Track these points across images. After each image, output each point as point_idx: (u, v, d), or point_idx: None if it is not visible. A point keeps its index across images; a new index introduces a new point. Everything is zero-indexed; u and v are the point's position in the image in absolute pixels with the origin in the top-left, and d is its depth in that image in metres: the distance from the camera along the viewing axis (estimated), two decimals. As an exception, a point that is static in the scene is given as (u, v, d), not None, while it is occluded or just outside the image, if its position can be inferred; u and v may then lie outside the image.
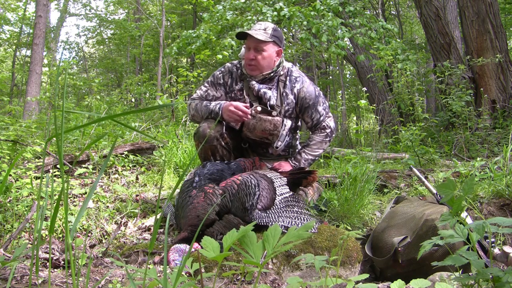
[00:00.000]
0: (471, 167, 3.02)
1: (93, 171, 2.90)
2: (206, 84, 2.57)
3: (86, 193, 2.56)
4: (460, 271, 1.59)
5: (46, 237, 2.03)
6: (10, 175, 2.41)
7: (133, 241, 2.13)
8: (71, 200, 2.47)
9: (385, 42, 7.11)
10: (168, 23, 15.56)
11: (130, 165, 3.21)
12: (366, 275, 1.17)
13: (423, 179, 2.24)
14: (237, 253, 1.74)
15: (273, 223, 1.92)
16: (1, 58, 15.42)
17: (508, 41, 10.05)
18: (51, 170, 2.76)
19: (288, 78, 2.52)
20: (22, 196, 2.23)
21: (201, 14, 12.48)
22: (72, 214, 2.22)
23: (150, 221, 2.34)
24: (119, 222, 2.36)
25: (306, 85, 2.51)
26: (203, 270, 1.60)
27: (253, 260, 1.05)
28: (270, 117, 2.40)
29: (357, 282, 1.18)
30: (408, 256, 1.87)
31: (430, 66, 8.42)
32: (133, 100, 11.15)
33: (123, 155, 3.24)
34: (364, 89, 5.38)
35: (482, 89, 5.65)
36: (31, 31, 12.95)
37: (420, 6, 6.55)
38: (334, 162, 3.56)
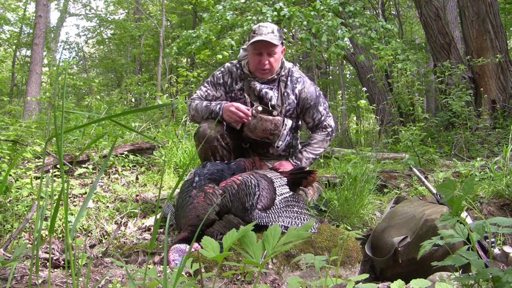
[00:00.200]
0: (471, 167, 3.02)
1: (93, 171, 2.90)
2: (206, 84, 2.57)
3: (86, 193, 2.56)
4: (460, 271, 1.59)
5: (46, 237, 2.03)
6: (10, 175, 2.41)
7: (133, 241, 2.13)
8: (71, 200, 2.47)
9: (385, 42, 7.11)
10: (168, 23, 15.56)
11: (130, 165, 3.21)
12: (366, 275, 1.17)
13: (423, 179, 2.24)
14: (237, 253, 1.74)
15: (273, 223, 1.92)
16: (1, 58, 15.42)
17: (508, 41, 10.05)
18: (51, 170, 2.76)
19: (289, 78, 2.53)
20: (22, 196, 2.23)
21: (201, 14, 12.49)
22: (72, 214, 2.22)
23: (150, 221, 2.34)
24: (119, 222, 2.36)
25: (307, 85, 2.53)
26: (203, 270, 1.60)
27: (253, 260, 1.05)
28: (271, 117, 2.40)
29: (357, 282, 1.18)
30: (408, 256, 1.87)
31: (430, 66, 8.42)
32: (133, 100, 11.15)
33: (123, 155, 3.24)
34: (364, 89, 5.38)
35: (482, 89, 5.66)
36: (31, 31, 12.95)
37: (420, 6, 6.55)
38: (334, 162, 3.56)
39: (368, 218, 2.47)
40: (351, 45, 8.07)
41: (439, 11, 6.38)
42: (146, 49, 14.36)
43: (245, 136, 2.46)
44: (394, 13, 12.97)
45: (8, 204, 2.14)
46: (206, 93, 2.53)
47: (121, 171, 3.05)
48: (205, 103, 2.46)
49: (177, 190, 2.32)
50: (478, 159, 3.24)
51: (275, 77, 2.49)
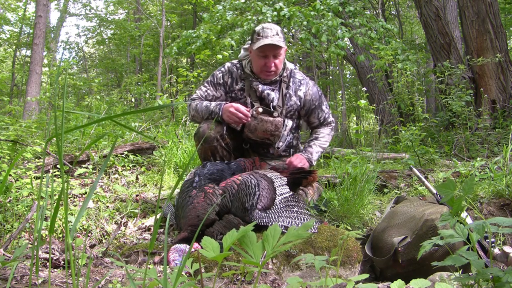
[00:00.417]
0: (471, 167, 3.02)
1: (93, 171, 2.90)
2: (206, 84, 2.56)
3: (86, 193, 2.56)
4: (460, 271, 1.59)
5: (46, 237, 2.03)
6: (10, 175, 2.41)
7: (133, 241, 2.13)
8: (71, 200, 2.47)
9: (385, 42, 7.11)
10: (168, 23, 15.56)
11: (130, 165, 3.20)
12: (366, 275, 1.17)
13: (423, 179, 2.24)
14: (237, 253, 1.74)
15: (273, 223, 1.92)
16: (1, 58, 15.42)
17: (508, 41, 10.05)
18: (51, 170, 2.76)
19: (291, 79, 2.53)
20: (22, 196, 2.23)
21: (201, 14, 12.49)
22: (72, 214, 2.22)
23: (150, 221, 2.34)
24: (119, 222, 2.36)
25: (310, 87, 2.56)
26: (203, 270, 1.60)
27: (253, 260, 1.05)
28: (271, 118, 2.40)
29: (357, 282, 1.18)
30: (408, 256, 1.87)
31: (430, 66, 8.42)
32: (133, 100, 11.15)
33: (123, 155, 3.24)
34: (364, 89, 5.38)
35: (482, 89, 5.65)
36: (31, 31, 12.95)
37: (420, 6, 6.55)
38: (334, 162, 3.55)
39: (368, 218, 2.47)
40: (351, 45, 8.07)
41: (439, 11, 6.38)
42: (146, 49, 14.36)
43: (245, 136, 2.46)
44: (394, 13, 12.97)
45: (8, 204, 2.14)
46: (206, 93, 2.53)
47: (121, 171, 3.05)
48: (205, 103, 2.45)
49: (177, 190, 2.32)
50: (478, 159, 3.24)
51: (277, 78, 2.49)
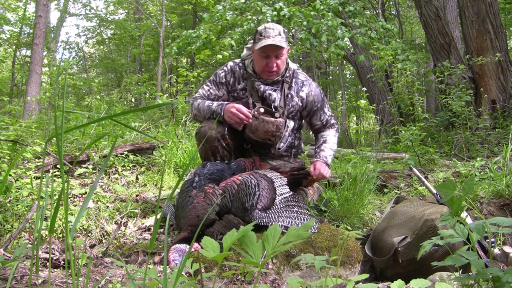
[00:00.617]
0: (471, 167, 3.02)
1: (93, 171, 2.90)
2: (208, 83, 2.56)
3: (86, 193, 2.56)
4: (460, 271, 1.59)
5: (46, 237, 2.03)
6: (10, 175, 2.41)
7: (133, 241, 2.13)
8: (71, 200, 2.47)
9: (385, 42, 7.11)
10: (168, 23, 15.56)
11: (130, 165, 3.20)
12: (366, 275, 1.17)
13: (423, 179, 2.24)
14: (237, 253, 1.74)
15: (273, 223, 1.92)
16: (1, 58, 15.42)
17: (508, 41, 10.05)
18: (51, 170, 2.76)
19: (293, 80, 2.52)
20: (22, 196, 2.23)
21: (201, 14, 12.49)
22: (72, 214, 2.22)
23: (150, 221, 2.34)
24: (119, 222, 2.36)
25: (313, 88, 2.54)
26: (203, 270, 1.60)
27: (253, 260, 1.05)
28: (272, 119, 2.39)
29: (357, 282, 1.18)
30: (408, 256, 1.87)
31: (430, 66, 8.42)
32: (133, 100, 11.15)
33: (123, 155, 3.24)
34: (364, 89, 5.38)
35: (482, 89, 5.66)
36: (31, 31, 12.95)
37: (420, 6, 6.56)
38: (334, 162, 3.55)
39: (368, 218, 2.47)
40: (351, 45, 8.06)
41: (439, 11, 6.38)
42: (146, 49, 14.35)
43: (246, 137, 2.46)
44: (394, 13, 12.97)
45: (8, 204, 2.14)
46: (208, 92, 2.53)
47: (121, 171, 3.05)
48: (207, 102, 2.45)
49: (177, 190, 2.32)
50: (478, 159, 3.24)
51: (280, 78, 2.49)
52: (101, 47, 19.32)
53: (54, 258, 1.65)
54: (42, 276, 1.36)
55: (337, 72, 14.95)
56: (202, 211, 1.88)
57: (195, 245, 1.74)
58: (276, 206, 2.08)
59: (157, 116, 6.05)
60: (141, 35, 13.48)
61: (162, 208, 2.39)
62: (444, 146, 4.95)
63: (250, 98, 2.47)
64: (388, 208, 2.34)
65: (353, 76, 16.64)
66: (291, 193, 2.24)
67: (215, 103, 2.42)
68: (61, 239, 2.05)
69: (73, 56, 18.31)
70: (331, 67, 15.55)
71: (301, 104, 2.51)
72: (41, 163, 2.76)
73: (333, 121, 2.62)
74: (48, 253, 1.73)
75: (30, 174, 2.46)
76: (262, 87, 2.44)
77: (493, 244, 1.70)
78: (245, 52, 2.55)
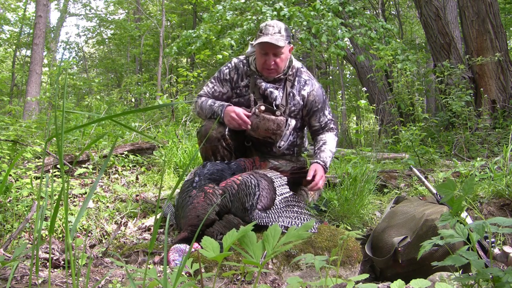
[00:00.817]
0: (471, 167, 3.02)
1: (93, 171, 2.90)
2: (212, 80, 2.56)
3: (86, 193, 2.56)
4: (460, 271, 1.59)
5: (46, 237, 2.03)
6: (10, 175, 2.41)
7: (133, 241, 2.13)
8: (71, 200, 2.47)
9: (385, 42, 7.11)
10: (168, 23, 15.56)
11: (130, 165, 3.20)
12: (366, 275, 1.17)
13: (423, 179, 2.24)
14: (237, 253, 1.74)
15: (273, 223, 1.92)
16: (1, 58, 15.42)
17: (508, 41, 10.05)
18: (51, 170, 2.76)
19: (296, 79, 2.50)
20: (22, 196, 2.23)
21: (201, 14, 12.49)
22: (72, 214, 2.22)
23: (150, 221, 2.34)
24: (119, 222, 2.36)
25: (315, 88, 2.50)
26: (203, 270, 1.60)
27: (253, 260, 1.05)
28: (273, 117, 2.37)
29: (357, 282, 1.18)
30: (408, 256, 1.87)
31: (430, 66, 8.42)
32: (133, 100, 11.16)
33: (123, 155, 3.24)
34: (364, 89, 5.38)
35: (482, 89, 5.66)
36: (31, 31, 12.95)
37: (420, 6, 6.56)
38: (334, 162, 3.55)
39: (368, 218, 2.47)
40: (351, 45, 8.07)
41: (439, 11, 6.38)
42: (146, 49, 14.35)
43: (247, 134, 2.45)
44: (394, 13, 12.97)
45: (8, 204, 2.14)
46: (212, 89, 2.52)
47: (121, 171, 3.05)
48: (210, 101, 2.45)
49: (177, 190, 2.32)
50: (478, 159, 3.24)
51: (282, 76, 2.47)
52: (101, 47, 19.33)
53: (54, 258, 1.65)
54: (42, 276, 1.36)
55: (337, 72, 14.95)
56: (202, 211, 1.88)
57: (195, 245, 1.74)
58: (276, 206, 2.08)
59: (157, 116, 6.05)
60: (141, 35, 13.49)
61: (162, 208, 2.39)
62: (444, 146, 4.95)
63: (252, 96, 2.46)
64: (388, 208, 2.34)
65: (353, 76, 16.64)
66: (291, 193, 2.24)
67: (217, 103, 2.41)
68: (61, 239, 2.05)
69: (73, 56, 18.32)
70: (331, 67, 15.55)
71: (302, 103, 2.49)
72: (41, 163, 2.76)
73: (332, 125, 2.56)
74: (48, 253, 1.73)
75: (30, 174, 2.46)
76: (264, 84, 2.43)
77: (493, 244, 1.70)
78: (249, 48, 2.54)
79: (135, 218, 2.41)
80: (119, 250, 1.98)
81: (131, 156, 3.25)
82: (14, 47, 14.33)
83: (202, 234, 1.51)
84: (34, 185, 2.34)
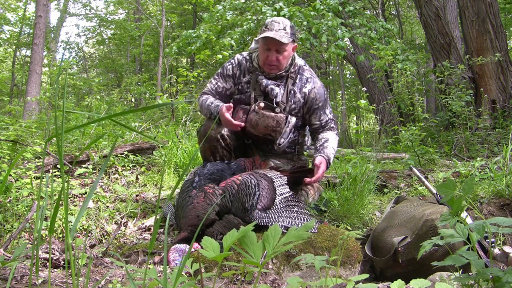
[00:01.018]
0: (471, 167, 3.02)
1: (93, 171, 2.90)
2: (216, 77, 2.56)
3: (86, 193, 2.56)
4: (460, 271, 1.59)
5: (46, 237, 2.03)
6: (10, 175, 2.41)
7: (133, 241, 2.13)
8: (71, 200, 2.47)
9: (385, 42, 7.11)
10: (168, 23, 15.56)
11: (130, 165, 3.20)
12: (366, 275, 1.17)
13: (423, 179, 2.24)
14: (237, 253, 1.74)
15: (273, 223, 1.92)
16: (1, 58, 15.42)
17: (508, 41, 10.05)
18: (51, 170, 2.76)
19: (298, 76, 2.49)
20: (22, 196, 2.23)
21: (201, 14, 12.49)
22: (72, 214, 2.22)
23: (150, 221, 2.34)
24: (119, 222, 2.36)
25: (317, 86, 2.49)
26: (203, 270, 1.60)
27: (253, 260, 1.05)
28: (273, 114, 2.37)
29: (357, 282, 1.18)
30: (408, 256, 1.87)
31: (430, 66, 8.42)
32: (133, 100, 11.16)
33: (123, 155, 3.24)
34: (364, 89, 5.38)
35: (482, 89, 5.66)
36: (31, 31, 12.94)
37: (420, 6, 6.56)
38: (334, 162, 3.55)
39: (368, 218, 2.47)
40: (351, 45, 8.07)
41: (439, 11, 6.38)
42: (146, 49, 14.36)
43: (247, 132, 2.45)
44: (394, 13, 12.97)
45: (8, 204, 2.14)
46: (216, 85, 2.53)
47: (121, 171, 3.05)
48: (208, 101, 2.45)
49: (177, 190, 2.32)
50: (478, 159, 3.24)
51: (284, 73, 2.46)
52: (101, 47, 19.33)
53: (54, 258, 1.65)
54: (42, 276, 1.36)
55: (337, 72, 14.96)
56: (202, 211, 1.88)
57: (195, 245, 1.75)
58: (276, 206, 2.08)
59: (157, 116, 6.05)
60: (141, 35, 13.49)
61: (162, 208, 2.39)
62: (444, 146, 4.95)
63: (253, 92, 2.46)
64: (388, 208, 2.34)
65: (353, 76, 16.64)
66: (291, 193, 2.23)
67: (214, 103, 2.41)
68: (61, 239, 2.05)
69: (73, 56, 18.32)
70: (331, 67, 15.55)
71: (303, 101, 2.47)
72: (41, 163, 2.76)
73: (333, 125, 2.54)
74: (48, 253, 1.73)
75: (30, 174, 2.46)
76: (265, 81, 2.43)
77: (493, 244, 1.70)
78: (253, 44, 2.54)
79: (135, 218, 2.41)
80: (119, 250, 1.98)
81: (131, 156, 3.25)
82: (14, 47, 14.33)
83: (202, 234, 1.51)
84: (34, 185, 2.34)
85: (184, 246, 1.75)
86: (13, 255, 1.20)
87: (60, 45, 17.27)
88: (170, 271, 1.57)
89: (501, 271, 0.99)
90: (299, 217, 2.04)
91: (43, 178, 2.15)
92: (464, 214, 1.90)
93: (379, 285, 1.30)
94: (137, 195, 2.66)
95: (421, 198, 2.38)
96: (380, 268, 2.03)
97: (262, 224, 1.91)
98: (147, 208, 2.52)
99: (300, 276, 1.80)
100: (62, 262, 1.64)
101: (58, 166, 2.80)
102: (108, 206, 2.49)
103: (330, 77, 15.49)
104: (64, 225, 1.03)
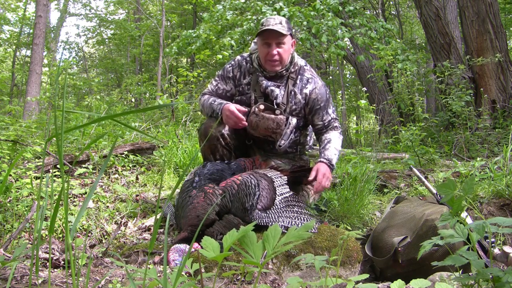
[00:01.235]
0: (471, 167, 3.02)
1: (93, 171, 2.90)
2: (216, 78, 2.56)
3: (86, 193, 2.56)
4: (460, 271, 1.59)
5: (46, 237, 2.03)
6: (10, 175, 2.41)
7: (133, 241, 2.13)
8: (71, 200, 2.47)
9: (385, 42, 7.11)
10: (168, 23, 15.56)
11: (130, 165, 3.20)
12: (366, 275, 1.17)
13: (423, 179, 2.24)
14: (237, 253, 1.74)
15: (273, 223, 1.92)
16: (1, 58, 15.42)
17: (508, 41, 10.05)
18: (51, 170, 2.75)
19: (299, 77, 2.47)
20: (22, 196, 2.23)
21: (201, 14, 12.49)
22: (72, 214, 2.22)
23: (150, 221, 2.34)
24: (119, 222, 2.36)
25: (318, 86, 2.47)
26: (203, 270, 1.60)
27: (253, 260, 1.05)
28: (273, 115, 2.36)
29: (357, 282, 1.18)
30: (408, 256, 1.87)
31: (430, 66, 8.42)
32: (133, 100, 11.16)
33: (123, 155, 3.24)
34: (364, 89, 5.39)
35: (482, 89, 5.66)
36: (31, 31, 12.95)
37: (420, 6, 6.56)
38: (334, 162, 3.55)
39: (368, 218, 2.47)
40: (351, 45, 8.07)
41: (439, 11, 6.38)
42: (146, 49, 14.36)
43: (248, 133, 2.45)
44: (394, 13, 12.97)
45: (8, 204, 2.14)
46: (216, 87, 2.53)
47: (121, 171, 3.05)
48: (211, 100, 2.45)
49: (177, 190, 2.32)
50: (478, 159, 3.24)
51: (284, 73, 2.45)
52: (101, 47, 19.33)
53: (54, 258, 1.65)
54: (42, 276, 1.36)
55: (337, 72, 14.96)
56: (202, 211, 1.88)
57: (195, 245, 1.75)
58: (276, 206, 2.08)
59: (157, 116, 6.05)
60: (141, 35, 13.49)
61: (162, 208, 2.39)
62: (444, 146, 4.96)
63: (253, 94, 2.45)
64: (388, 208, 2.34)
65: (353, 76, 16.65)
66: (291, 193, 2.23)
67: (217, 102, 2.41)
68: (61, 239, 2.05)
69: (73, 56, 18.33)
70: (331, 67, 15.56)
71: (303, 101, 2.45)
72: (41, 163, 2.76)
73: (336, 124, 2.52)
74: (48, 253, 1.73)
75: (30, 174, 2.46)
76: (265, 83, 2.42)
77: (493, 244, 1.70)
78: (252, 46, 2.54)
79: (135, 218, 2.41)
80: (119, 250, 1.98)
81: (131, 156, 3.25)
82: (14, 47, 14.34)
83: (202, 234, 1.51)
84: (34, 185, 2.34)
85: (184, 246, 1.75)
86: (13, 255, 1.20)
87: (60, 45, 17.29)
88: (170, 271, 1.57)
89: (501, 271, 0.99)
90: (299, 217, 2.04)
91: (43, 178, 2.15)
92: (464, 214, 1.90)
93: (379, 285, 1.30)
94: (137, 195, 2.66)
95: (421, 198, 2.38)
96: (380, 268, 2.03)
97: (262, 224, 1.91)
98: (147, 208, 2.52)
99: (300, 276, 1.80)
100: (62, 262, 1.64)
101: (58, 166, 2.80)
102: (108, 206, 2.49)
103: (330, 77, 15.49)
104: (64, 225, 1.03)
